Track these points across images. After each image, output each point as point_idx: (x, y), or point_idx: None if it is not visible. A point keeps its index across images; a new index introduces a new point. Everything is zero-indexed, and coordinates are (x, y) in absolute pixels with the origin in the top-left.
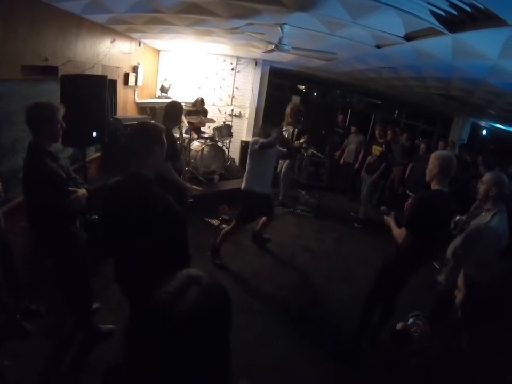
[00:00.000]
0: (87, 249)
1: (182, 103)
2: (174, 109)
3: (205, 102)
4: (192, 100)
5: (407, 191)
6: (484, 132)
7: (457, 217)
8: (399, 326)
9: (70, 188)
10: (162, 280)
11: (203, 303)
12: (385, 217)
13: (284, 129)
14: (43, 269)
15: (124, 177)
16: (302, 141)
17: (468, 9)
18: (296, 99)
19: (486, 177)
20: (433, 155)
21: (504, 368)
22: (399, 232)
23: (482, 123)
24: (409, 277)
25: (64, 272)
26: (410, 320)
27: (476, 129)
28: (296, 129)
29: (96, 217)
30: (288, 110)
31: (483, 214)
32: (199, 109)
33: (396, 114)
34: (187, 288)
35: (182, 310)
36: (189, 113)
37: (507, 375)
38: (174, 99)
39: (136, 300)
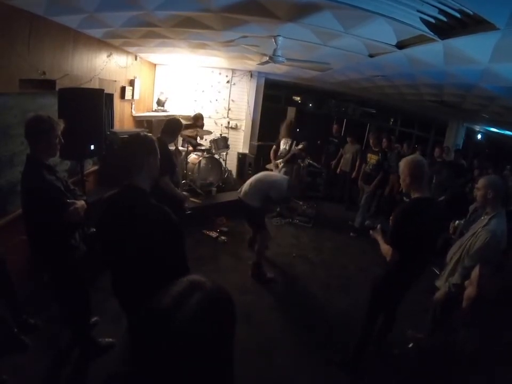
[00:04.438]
0: (86, 262)
1: (181, 119)
2: (173, 125)
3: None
4: (190, 114)
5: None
6: (479, 136)
7: (457, 222)
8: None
9: (68, 200)
10: (165, 286)
11: (206, 308)
12: (371, 231)
13: (283, 141)
14: (41, 282)
15: (120, 190)
16: (300, 146)
17: (458, 15)
18: (291, 110)
19: (481, 182)
20: (401, 164)
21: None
22: (386, 249)
23: (477, 127)
24: (405, 291)
25: (62, 285)
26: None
27: (470, 134)
28: (294, 140)
29: (95, 229)
30: (284, 125)
31: (482, 218)
32: (198, 123)
33: (391, 122)
34: (190, 293)
35: (185, 314)
36: (186, 126)
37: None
38: (170, 112)
39: (134, 314)
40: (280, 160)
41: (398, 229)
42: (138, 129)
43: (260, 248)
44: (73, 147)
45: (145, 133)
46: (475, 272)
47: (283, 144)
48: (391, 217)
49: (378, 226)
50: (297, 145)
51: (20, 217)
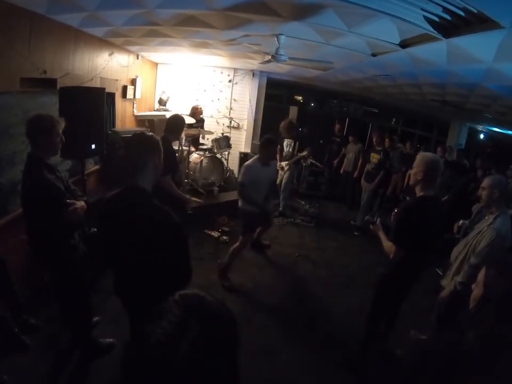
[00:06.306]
0: (86, 262)
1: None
2: (176, 123)
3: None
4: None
5: (407, 198)
6: (481, 135)
7: (461, 222)
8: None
9: (68, 200)
10: (152, 313)
11: (206, 338)
12: (371, 227)
13: (285, 143)
14: (41, 282)
15: (122, 190)
16: (305, 153)
17: (462, 13)
18: (293, 109)
19: (486, 181)
20: (418, 158)
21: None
22: (389, 246)
23: (480, 127)
24: (408, 290)
25: (62, 286)
26: None
27: (473, 133)
28: (297, 142)
29: (95, 229)
30: (283, 126)
31: (486, 217)
32: (197, 118)
33: (393, 122)
34: (185, 324)
35: (192, 338)
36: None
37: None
38: (172, 111)
39: (137, 314)
40: (286, 162)
41: (401, 226)
42: (140, 129)
43: (235, 251)
44: (74, 146)
45: (151, 133)
46: (481, 273)
47: (286, 146)
48: (393, 214)
49: (378, 220)
50: (299, 146)
51: (20, 217)
